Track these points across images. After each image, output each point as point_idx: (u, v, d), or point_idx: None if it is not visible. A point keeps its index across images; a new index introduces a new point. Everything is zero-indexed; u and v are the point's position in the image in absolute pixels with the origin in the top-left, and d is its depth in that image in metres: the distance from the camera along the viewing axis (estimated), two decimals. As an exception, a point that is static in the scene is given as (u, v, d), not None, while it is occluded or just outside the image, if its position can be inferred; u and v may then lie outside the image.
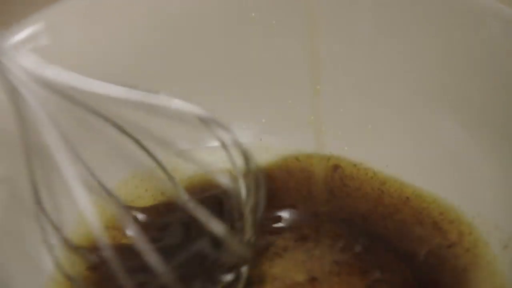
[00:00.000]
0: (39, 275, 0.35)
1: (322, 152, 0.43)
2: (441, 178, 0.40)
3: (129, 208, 0.38)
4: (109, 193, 0.36)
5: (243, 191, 0.33)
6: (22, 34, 0.38)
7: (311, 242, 0.39)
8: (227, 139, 0.32)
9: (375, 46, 0.42)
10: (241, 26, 0.43)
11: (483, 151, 0.39)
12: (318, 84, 0.42)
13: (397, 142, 0.42)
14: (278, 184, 0.42)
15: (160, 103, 0.29)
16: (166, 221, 0.37)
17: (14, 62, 0.28)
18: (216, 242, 0.32)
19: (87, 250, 0.35)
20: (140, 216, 0.38)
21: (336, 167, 0.42)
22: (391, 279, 0.37)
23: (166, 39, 0.42)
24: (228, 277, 0.34)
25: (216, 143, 0.33)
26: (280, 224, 0.40)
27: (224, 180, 0.29)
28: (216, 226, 0.30)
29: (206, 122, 0.30)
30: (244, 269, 0.34)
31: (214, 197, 0.31)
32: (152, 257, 0.28)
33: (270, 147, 0.43)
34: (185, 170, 0.39)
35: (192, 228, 0.33)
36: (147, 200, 0.41)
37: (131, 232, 0.29)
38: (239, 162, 0.33)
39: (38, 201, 0.32)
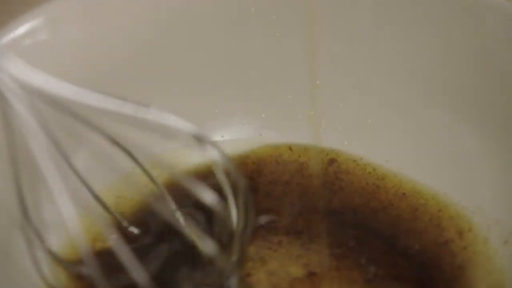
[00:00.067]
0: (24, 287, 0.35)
1: (322, 147, 0.43)
2: (441, 173, 0.40)
3: (114, 213, 0.38)
4: (96, 197, 0.36)
5: (233, 212, 0.33)
6: (21, 29, 0.38)
7: (304, 236, 0.39)
8: (217, 156, 0.31)
9: (375, 41, 0.42)
10: (241, 22, 0.43)
11: (483, 146, 0.39)
12: (318, 79, 0.42)
13: (397, 137, 0.42)
14: (272, 177, 0.42)
15: (151, 118, 0.29)
16: (152, 227, 0.38)
17: (1, 68, 0.28)
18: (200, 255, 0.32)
19: (72, 263, 0.36)
20: (126, 223, 0.39)
21: (332, 161, 0.42)
22: (389, 274, 0.37)
23: (166, 36, 0.42)
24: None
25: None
26: (272, 218, 0.40)
27: (212, 199, 0.29)
28: (205, 242, 0.31)
29: (197, 139, 0.30)
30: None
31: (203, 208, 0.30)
32: (133, 265, 0.28)
33: (270, 141, 0.43)
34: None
35: (177, 236, 0.33)
36: (132, 205, 0.41)
37: (114, 239, 0.29)
38: (229, 180, 0.33)
39: (24, 212, 0.32)
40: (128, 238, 0.34)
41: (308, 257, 0.38)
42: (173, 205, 0.37)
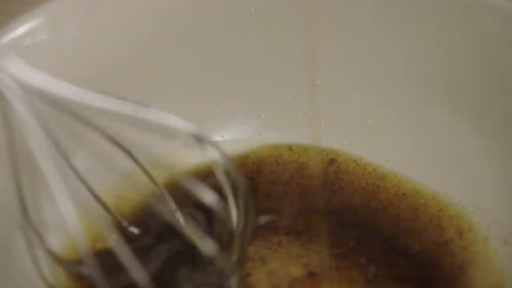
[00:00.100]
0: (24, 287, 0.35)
1: (322, 147, 0.43)
2: (441, 173, 0.40)
3: (114, 213, 0.38)
4: (96, 197, 0.36)
5: (233, 212, 0.33)
6: (21, 29, 0.38)
7: (304, 236, 0.39)
8: (217, 156, 0.31)
9: (375, 41, 0.42)
10: (241, 22, 0.43)
11: (483, 146, 0.39)
12: (318, 79, 0.42)
13: (397, 137, 0.42)
14: (272, 177, 0.42)
15: (151, 118, 0.29)
16: (152, 227, 0.38)
17: (1, 68, 0.28)
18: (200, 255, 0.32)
19: (72, 263, 0.36)
20: (126, 223, 0.39)
21: (332, 161, 0.42)
22: (389, 274, 0.37)
23: (166, 36, 0.42)
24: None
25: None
26: (272, 218, 0.40)
27: (211, 199, 0.29)
28: (205, 242, 0.31)
29: (197, 139, 0.30)
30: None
31: (203, 208, 0.30)
32: (133, 265, 0.28)
33: (270, 141, 0.43)
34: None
35: (177, 236, 0.33)
36: (132, 205, 0.41)
37: (114, 239, 0.29)
38: (229, 180, 0.33)
39: (24, 212, 0.32)
40: (128, 238, 0.34)
41: (308, 257, 0.38)
42: (173, 205, 0.37)
